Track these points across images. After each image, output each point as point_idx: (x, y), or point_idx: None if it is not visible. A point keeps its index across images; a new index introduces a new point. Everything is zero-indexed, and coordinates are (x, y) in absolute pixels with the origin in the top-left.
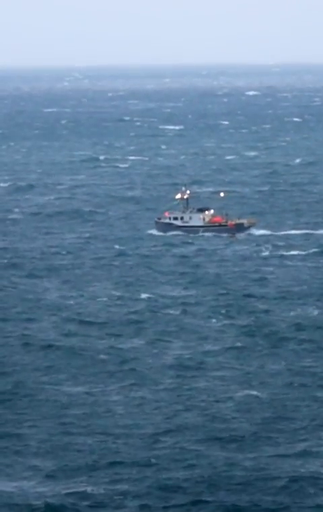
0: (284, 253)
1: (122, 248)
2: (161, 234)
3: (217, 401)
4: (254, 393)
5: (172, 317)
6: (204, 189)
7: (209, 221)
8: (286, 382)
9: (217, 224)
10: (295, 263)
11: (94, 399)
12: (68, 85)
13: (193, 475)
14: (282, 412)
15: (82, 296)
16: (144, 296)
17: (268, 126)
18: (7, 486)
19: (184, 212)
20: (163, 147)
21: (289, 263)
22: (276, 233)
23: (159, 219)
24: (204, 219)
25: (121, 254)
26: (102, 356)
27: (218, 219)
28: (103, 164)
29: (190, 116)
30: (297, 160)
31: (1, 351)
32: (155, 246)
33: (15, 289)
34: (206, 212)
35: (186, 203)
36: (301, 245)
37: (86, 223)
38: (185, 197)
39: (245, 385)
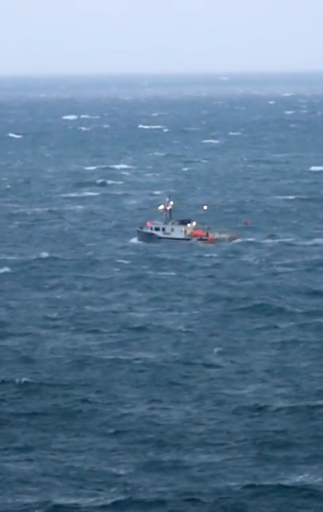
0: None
1: (107, 257)
2: (142, 243)
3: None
4: None
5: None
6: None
7: (190, 234)
8: None
9: (197, 238)
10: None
11: (148, 409)
12: (90, 92)
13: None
14: None
15: (105, 304)
16: (146, 309)
17: (291, 134)
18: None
19: (166, 223)
20: (190, 155)
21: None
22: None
23: (141, 228)
24: (185, 231)
25: (105, 262)
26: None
27: (199, 232)
28: (125, 173)
29: (215, 125)
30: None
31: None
32: (144, 255)
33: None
34: (188, 225)
35: (168, 214)
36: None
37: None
38: (168, 208)
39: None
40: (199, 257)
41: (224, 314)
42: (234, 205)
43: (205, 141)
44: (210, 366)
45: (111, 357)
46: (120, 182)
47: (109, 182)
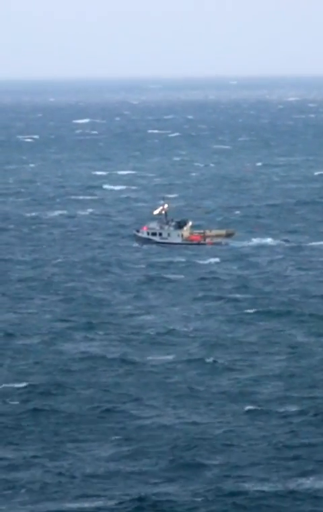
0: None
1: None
2: (141, 247)
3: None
4: None
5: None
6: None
7: (188, 239)
8: None
9: (195, 243)
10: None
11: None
12: (99, 96)
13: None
14: None
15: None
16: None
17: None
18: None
19: (162, 228)
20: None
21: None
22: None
23: (138, 231)
24: (182, 235)
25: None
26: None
27: (196, 237)
28: (134, 177)
29: (222, 129)
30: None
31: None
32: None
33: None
34: (185, 227)
35: (164, 217)
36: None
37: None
38: (163, 212)
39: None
40: (208, 259)
41: (235, 316)
42: (243, 208)
43: (214, 145)
44: (222, 368)
45: (123, 360)
46: (129, 186)
47: (117, 185)
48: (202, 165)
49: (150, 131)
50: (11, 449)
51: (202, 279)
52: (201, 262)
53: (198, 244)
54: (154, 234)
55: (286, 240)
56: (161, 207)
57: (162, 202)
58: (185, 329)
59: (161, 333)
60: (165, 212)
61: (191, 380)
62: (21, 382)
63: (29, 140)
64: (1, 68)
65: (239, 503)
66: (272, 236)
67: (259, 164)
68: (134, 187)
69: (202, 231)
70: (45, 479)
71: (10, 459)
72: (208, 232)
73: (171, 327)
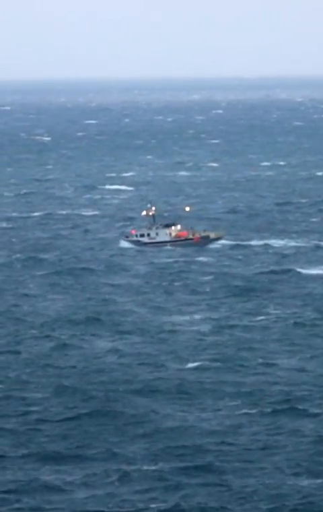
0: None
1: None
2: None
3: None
4: None
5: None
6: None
7: (175, 236)
8: None
9: (183, 238)
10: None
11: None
12: (109, 97)
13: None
14: None
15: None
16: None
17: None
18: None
19: (150, 229)
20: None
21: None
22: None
23: (127, 237)
24: (170, 234)
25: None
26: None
27: (184, 233)
28: (140, 177)
29: (220, 128)
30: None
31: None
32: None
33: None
34: (173, 227)
35: (152, 220)
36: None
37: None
38: (150, 213)
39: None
40: (216, 259)
41: (245, 316)
42: (250, 207)
43: (222, 145)
44: (233, 368)
45: (132, 360)
46: (136, 186)
47: (125, 185)
48: (210, 165)
49: (158, 132)
50: (24, 448)
51: (211, 279)
52: (209, 262)
53: (186, 239)
54: (142, 235)
55: (295, 240)
56: (147, 210)
57: (149, 205)
58: (194, 329)
59: (170, 332)
60: (153, 215)
61: (204, 380)
62: (31, 384)
63: (39, 140)
64: (10, 68)
65: (259, 505)
66: (280, 235)
67: (267, 163)
68: (142, 187)
69: (192, 232)
70: (58, 478)
71: (27, 457)
72: (197, 236)
73: (180, 327)
